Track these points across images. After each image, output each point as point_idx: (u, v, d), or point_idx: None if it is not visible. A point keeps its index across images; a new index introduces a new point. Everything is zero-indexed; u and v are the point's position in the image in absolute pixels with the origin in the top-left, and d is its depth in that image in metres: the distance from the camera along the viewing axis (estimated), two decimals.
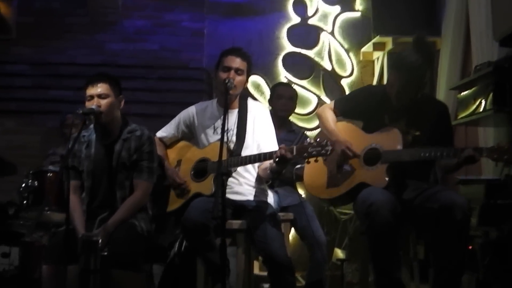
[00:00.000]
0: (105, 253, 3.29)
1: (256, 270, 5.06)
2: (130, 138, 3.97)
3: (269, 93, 5.54)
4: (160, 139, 4.29)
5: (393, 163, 3.79)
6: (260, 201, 4.02)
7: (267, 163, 3.89)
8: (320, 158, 3.65)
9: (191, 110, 4.28)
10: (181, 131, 4.29)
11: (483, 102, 4.33)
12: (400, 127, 3.87)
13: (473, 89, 4.55)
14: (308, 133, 5.63)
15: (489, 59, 4.61)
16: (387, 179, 3.76)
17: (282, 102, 5.14)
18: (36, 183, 4.74)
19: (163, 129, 4.35)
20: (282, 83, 5.60)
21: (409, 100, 3.89)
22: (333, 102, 4.26)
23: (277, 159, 3.64)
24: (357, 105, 4.12)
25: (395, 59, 3.92)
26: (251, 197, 4.02)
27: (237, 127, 4.05)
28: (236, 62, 4.03)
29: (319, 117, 4.22)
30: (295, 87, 6.17)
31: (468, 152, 3.55)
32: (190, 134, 4.27)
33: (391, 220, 3.57)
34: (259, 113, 4.15)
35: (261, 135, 4.09)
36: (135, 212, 3.88)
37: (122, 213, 3.81)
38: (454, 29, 5.72)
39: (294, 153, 3.60)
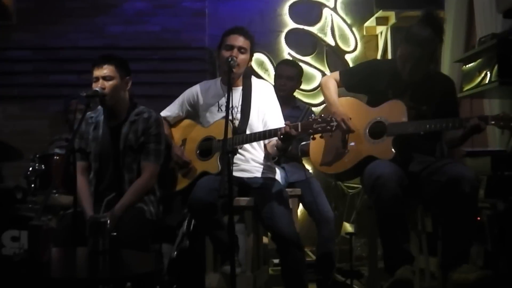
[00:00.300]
0: (114, 234, 3.29)
1: (271, 245, 5.08)
2: (137, 120, 3.96)
3: (273, 72, 5.53)
4: (164, 118, 4.29)
5: (399, 136, 3.79)
6: (267, 178, 4.03)
7: (275, 140, 3.88)
8: (325, 134, 3.64)
9: (195, 88, 4.28)
10: (185, 110, 4.29)
11: (488, 74, 4.32)
12: (404, 102, 3.86)
13: (478, 61, 4.53)
14: (313, 109, 5.60)
15: (493, 31, 4.59)
16: (393, 151, 3.76)
17: (281, 81, 5.11)
18: (43, 166, 4.74)
19: (167, 108, 4.35)
20: (284, 62, 5.52)
21: (422, 74, 3.87)
22: (338, 72, 4.25)
23: (281, 136, 3.63)
24: (362, 79, 4.11)
25: (407, 34, 3.86)
26: (258, 174, 4.02)
27: (242, 104, 4.05)
28: (239, 40, 4.02)
29: (322, 86, 4.22)
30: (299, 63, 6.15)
31: (473, 121, 3.55)
32: (194, 113, 4.27)
33: (399, 192, 3.57)
34: (264, 91, 4.15)
35: (267, 112, 4.09)
36: (143, 195, 3.89)
37: (130, 196, 3.82)
38: (457, 2, 5.69)
39: (299, 129, 3.59)
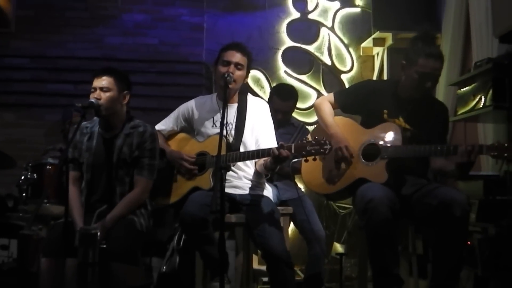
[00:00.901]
0: (104, 246, 3.28)
1: (255, 264, 5.07)
2: (132, 133, 3.97)
3: (269, 90, 5.49)
4: (159, 131, 4.28)
5: (392, 159, 3.79)
6: (258, 196, 4.02)
7: (263, 159, 3.88)
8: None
9: (190, 103, 4.28)
10: (180, 124, 4.28)
11: (483, 98, 4.33)
12: (399, 123, 3.87)
13: (473, 85, 4.55)
14: (308, 128, 5.60)
15: (488, 56, 4.62)
16: (387, 174, 3.76)
17: (278, 116, 5.06)
18: (35, 175, 4.74)
19: (162, 122, 4.35)
20: (280, 92, 5.25)
21: (426, 92, 3.87)
22: (332, 94, 4.24)
23: (274, 156, 3.62)
24: (357, 100, 4.10)
25: (411, 52, 3.85)
26: (250, 192, 4.01)
27: (236, 121, 4.05)
28: (236, 56, 4.02)
29: (317, 108, 4.20)
30: (294, 81, 6.16)
31: (467, 148, 3.55)
32: (189, 128, 4.27)
33: (390, 216, 3.57)
34: (259, 109, 4.14)
35: (260, 131, 4.08)
36: (134, 209, 3.88)
37: (120, 209, 3.81)
38: (454, 25, 5.72)
39: (293, 151, 3.59)
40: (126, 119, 4.03)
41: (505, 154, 3.49)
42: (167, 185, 4.13)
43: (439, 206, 3.56)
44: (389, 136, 3.85)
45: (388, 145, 3.83)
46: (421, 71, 3.79)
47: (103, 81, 3.90)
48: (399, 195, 3.76)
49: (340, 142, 3.88)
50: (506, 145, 3.49)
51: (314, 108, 4.28)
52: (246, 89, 4.36)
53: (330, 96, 4.22)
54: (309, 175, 4.17)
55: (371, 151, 3.88)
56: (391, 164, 3.79)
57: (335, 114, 4.18)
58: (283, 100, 5.14)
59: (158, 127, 4.30)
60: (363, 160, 3.90)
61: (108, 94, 3.89)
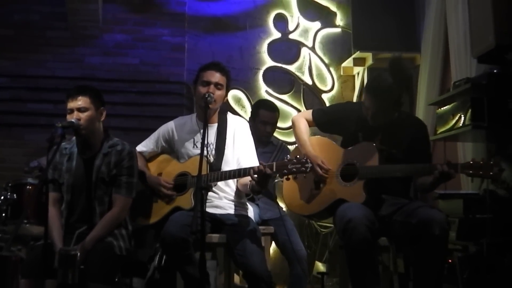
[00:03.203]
0: (82, 267, 3.26)
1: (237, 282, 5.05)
2: (110, 152, 3.95)
3: (250, 109, 5.51)
4: (140, 153, 4.27)
5: (370, 180, 3.81)
6: (240, 215, 4.01)
7: (247, 179, 3.87)
8: (298, 175, 3.65)
9: (170, 125, 4.27)
10: (160, 146, 4.27)
11: (462, 117, 4.36)
12: (375, 144, 3.89)
13: (452, 104, 4.58)
14: (288, 147, 5.61)
15: (467, 76, 4.66)
16: (364, 195, 3.78)
17: (267, 129, 5.09)
18: (15, 196, 4.70)
19: (143, 143, 4.33)
20: (265, 105, 5.43)
21: (384, 121, 3.92)
22: (310, 111, 4.27)
23: (256, 176, 3.62)
24: (333, 120, 4.15)
25: (370, 83, 3.96)
26: (231, 211, 4.01)
27: (217, 141, 4.05)
28: (216, 76, 4.03)
29: (294, 124, 4.24)
30: (275, 101, 6.18)
31: (443, 168, 3.57)
32: (169, 149, 4.25)
33: (369, 236, 3.58)
34: (239, 128, 4.14)
35: (241, 150, 4.08)
36: (113, 228, 3.85)
37: (100, 230, 3.78)
38: (433, 46, 5.78)
39: (274, 169, 3.59)
40: (104, 137, 4.01)
41: (481, 172, 3.52)
42: (148, 205, 4.11)
43: (418, 225, 3.58)
44: (366, 156, 3.87)
45: (366, 165, 3.84)
46: (363, 103, 3.94)
47: (79, 102, 3.87)
48: (378, 215, 3.77)
49: (313, 160, 3.89)
50: (481, 162, 3.52)
51: (292, 123, 4.30)
52: (225, 109, 4.37)
53: (308, 113, 4.24)
54: (289, 197, 4.18)
55: (350, 172, 3.90)
56: (369, 184, 3.81)
57: (314, 132, 4.20)
58: (270, 110, 5.19)
59: (139, 148, 4.29)
60: (341, 181, 3.92)
61: (86, 113, 3.87)
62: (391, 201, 3.88)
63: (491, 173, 3.50)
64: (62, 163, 3.97)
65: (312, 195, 4.02)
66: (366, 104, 3.92)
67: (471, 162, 3.56)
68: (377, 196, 3.87)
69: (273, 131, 5.24)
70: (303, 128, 4.16)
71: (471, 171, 3.54)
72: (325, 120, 4.19)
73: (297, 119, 4.24)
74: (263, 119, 5.10)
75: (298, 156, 3.57)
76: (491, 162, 3.50)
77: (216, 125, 4.11)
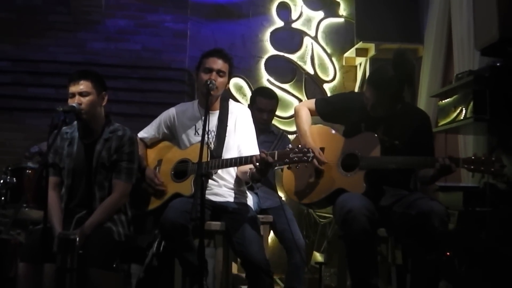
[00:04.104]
0: (80, 251, 3.26)
1: (235, 271, 5.06)
2: (111, 138, 3.95)
3: (250, 96, 5.50)
4: (141, 139, 4.27)
5: (371, 170, 3.81)
6: (239, 203, 4.01)
7: (247, 167, 3.87)
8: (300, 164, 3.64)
9: (172, 111, 4.26)
10: (162, 132, 4.26)
11: (464, 110, 4.36)
12: (378, 135, 3.88)
13: (454, 97, 4.57)
14: (289, 136, 5.61)
15: (470, 68, 4.65)
16: (364, 185, 3.77)
17: (263, 115, 5.08)
18: (14, 179, 4.70)
19: (144, 129, 4.32)
20: (263, 92, 5.41)
21: (385, 112, 3.91)
22: (313, 100, 4.26)
23: (257, 164, 3.62)
24: (336, 110, 4.13)
25: (371, 75, 3.95)
26: (230, 199, 4.01)
27: (218, 128, 4.04)
28: (218, 63, 4.01)
29: (296, 113, 4.23)
30: (276, 90, 6.17)
31: (445, 161, 3.57)
32: (171, 135, 4.25)
33: (368, 227, 3.58)
34: (241, 115, 4.13)
35: (242, 138, 4.08)
36: (112, 213, 3.86)
37: (99, 215, 3.78)
38: (436, 37, 5.76)
39: (276, 158, 3.59)
40: (105, 123, 4.01)
41: (482, 168, 3.51)
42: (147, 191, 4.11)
43: (418, 217, 3.57)
44: (368, 147, 3.87)
45: (367, 156, 3.84)
46: (364, 94, 3.92)
47: (81, 86, 3.87)
48: (378, 206, 3.77)
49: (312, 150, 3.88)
50: (483, 158, 3.51)
51: (294, 112, 4.29)
52: (227, 96, 4.35)
53: (311, 102, 4.23)
54: (289, 185, 4.18)
55: (350, 161, 3.90)
56: (369, 175, 3.81)
57: (316, 121, 4.20)
58: (267, 98, 5.17)
59: (140, 135, 4.29)
60: (342, 170, 3.92)
61: (88, 98, 3.87)
62: (392, 192, 3.87)
63: (492, 169, 3.50)
64: (63, 147, 3.97)
65: (312, 184, 4.02)
66: (366, 95, 3.92)
67: (473, 158, 3.54)
68: (378, 187, 3.87)
69: (271, 119, 5.21)
70: (305, 117, 4.15)
71: (472, 166, 3.53)
72: (328, 110, 4.18)
73: (300, 108, 4.23)
74: (260, 106, 5.09)
75: (300, 146, 3.57)
76: (493, 158, 3.49)
77: (217, 112, 4.10)
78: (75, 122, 4.00)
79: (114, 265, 3.80)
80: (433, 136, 4.17)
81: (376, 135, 3.87)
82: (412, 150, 3.80)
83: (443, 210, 3.57)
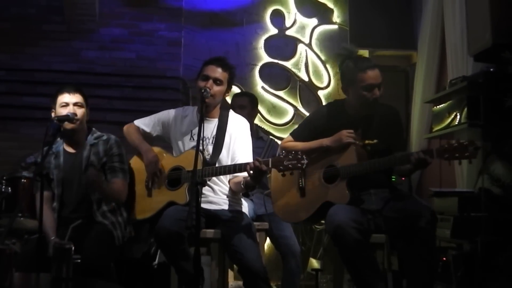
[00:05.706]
0: (78, 261, 3.25)
1: (231, 280, 5.05)
2: (97, 143, 4.06)
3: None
4: (137, 126, 4.25)
5: (351, 177, 3.82)
6: (234, 211, 4.01)
7: (240, 177, 3.87)
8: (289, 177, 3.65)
9: (171, 112, 4.23)
10: (156, 130, 4.22)
11: (458, 115, 4.37)
12: (357, 139, 3.88)
13: (448, 102, 4.59)
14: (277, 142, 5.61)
15: (463, 74, 4.67)
16: (348, 194, 3.79)
17: (235, 112, 5.09)
18: (9, 189, 4.70)
19: (141, 119, 4.28)
20: (236, 93, 5.53)
21: (375, 103, 3.92)
22: (289, 136, 4.25)
23: (251, 172, 3.62)
24: (312, 129, 4.14)
25: (347, 74, 3.96)
26: (225, 207, 4.00)
27: (215, 136, 4.04)
28: (216, 72, 3.99)
29: (292, 147, 4.15)
30: (271, 97, 6.18)
31: (419, 155, 3.57)
32: (164, 136, 4.21)
33: (360, 237, 3.60)
34: (239, 126, 4.12)
35: (238, 147, 4.06)
36: (113, 196, 3.96)
37: (105, 184, 3.92)
38: (430, 44, 5.79)
39: (270, 165, 3.59)
40: (88, 132, 4.11)
41: (456, 154, 3.46)
42: (142, 200, 4.11)
43: (406, 220, 3.61)
44: (345, 156, 3.89)
45: (344, 163, 3.86)
46: (365, 84, 3.87)
47: (76, 97, 3.99)
48: (369, 211, 3.79)
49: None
50: (455, 144, 3.45)
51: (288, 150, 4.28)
52: (228, 105, 4.34)
53: (289, 138, 4.23)
54: (280, 207, 4.19)
55: (332, 173, 3.91)
56: (351, 182, 3.82)
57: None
58: (239, 95, 5.37)
59: (136, 122, 4.25)
60: (324, 183, 3.93)
61: (82, 109, 3.99)
62: (380, 194, 3.90)
63: (466, 154, 3.42)
64: (50, 161, 4.02)
65: (299, 203, 4.05)
66: (369, 78, 3.89)
67: (446, 146, 3.49)
68: (363, 190, 3.90)
69: (249, 116, 5.13)
70: (299, 144, 4.11)
71: (446, 155, 3.48)
72: (305, 133, 4.16)
73: (287, 145, 4.17)
74: (233, 104, 5.20)
75: (293, 152, 3.57)
76: (465, 142, 3.43)
77: (216, 120, 4.09)
78: (58, 139, 4.04)
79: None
80: (404, 129, 4.20)
81: (352, 145, 3.88)
82: (388, 145, 3.88)
83: (428, 210, 3.64)
